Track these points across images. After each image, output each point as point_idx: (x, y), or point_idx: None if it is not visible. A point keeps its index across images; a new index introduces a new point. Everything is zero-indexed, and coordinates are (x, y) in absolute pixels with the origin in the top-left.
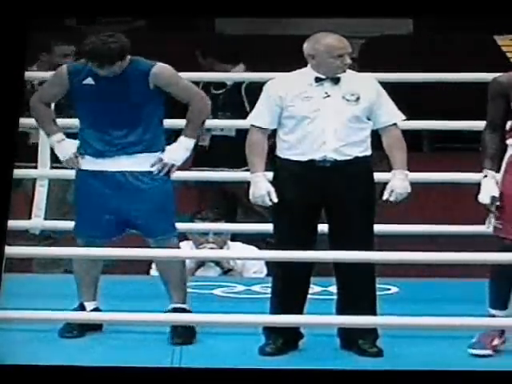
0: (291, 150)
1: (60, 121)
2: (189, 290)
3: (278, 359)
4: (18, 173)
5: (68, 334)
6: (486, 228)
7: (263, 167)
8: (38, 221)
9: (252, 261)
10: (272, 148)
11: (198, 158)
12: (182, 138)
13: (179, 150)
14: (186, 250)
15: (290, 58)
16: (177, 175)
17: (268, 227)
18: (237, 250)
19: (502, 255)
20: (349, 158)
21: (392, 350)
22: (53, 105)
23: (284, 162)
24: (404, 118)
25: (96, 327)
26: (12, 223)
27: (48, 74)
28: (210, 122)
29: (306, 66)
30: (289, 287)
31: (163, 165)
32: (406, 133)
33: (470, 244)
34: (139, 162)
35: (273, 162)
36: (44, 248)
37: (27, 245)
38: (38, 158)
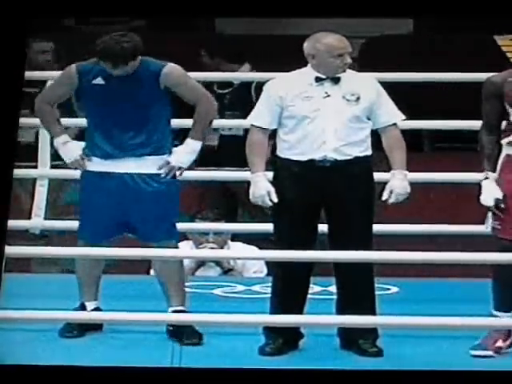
0: (291, 149)
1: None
2: (189, 289)
3: (278, 359)
4: (18, 173)
5: (68, 333)
6: (485, 228)
7: (263, 167)
8: (38, 221)
9: (252, 261)
10: (272, 148)
11: (207, 158)
12: (188, 141)
13: (186, 153)
14: (186, 249)
15: (290, 57)
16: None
17: (268, 227)
18: (237, 249)
19: (502, 255)
20: (349, 157)
21: (392, 350)
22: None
23: (284, 161)
24: (404, 117)
25: (96, 327)
26: (12, 223)
27: (47, 74)
28: (218, 122)
29: (306, 65)
30: (289, 287)
31: (170, 168)
32: (406, 133)
33: (470, 244)
34: (147, 165)
35: (273, 162)
36: (44, 248)
37: (27, 245)
38: (38, 158)
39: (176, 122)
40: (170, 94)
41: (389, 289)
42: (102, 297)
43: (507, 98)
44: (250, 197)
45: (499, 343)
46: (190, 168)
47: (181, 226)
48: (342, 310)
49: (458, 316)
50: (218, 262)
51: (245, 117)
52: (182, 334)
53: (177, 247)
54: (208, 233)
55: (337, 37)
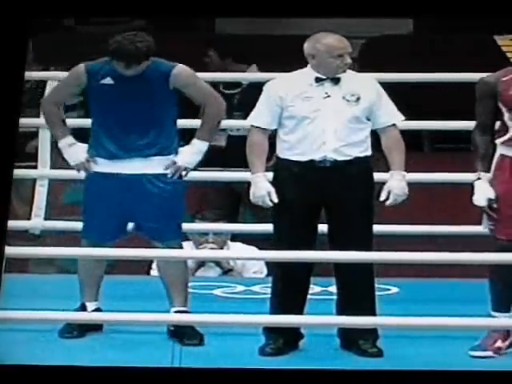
0: (291, 150)
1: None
2: (189, 290)
3: (278, 359)
4: (18, 173)
5: (68, 334)
6: (482, 229)
7: (263, 167)
8: (38, 221)
9: (252, 261)
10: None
11: (215, 158)
12: (195, 141)
13: (192, 153)
14: (186, 250)
15: (290, 57)
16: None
17: (268, 227)
18: (237, 250)
19: (501, 255)
20: (349, 158)
21: (392, 350)
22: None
23: (284, 162)
24: (403, 118)
25: (96, 327)
26: (12, 223)
27: (47, 74)
28: (226, 123)
29: (306, 65)
30: (289, 287)
31: (177, 168)
32: (406, 133)
33: (470, 244)
34: (153, 165)
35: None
36: (44, 248)
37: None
38: (38, 158)
39: (180, 123)
40: (178, 94)
41: (389, 289)
42: (101, 297)
43: (501, 98)
44: (251, 197)
45: (499, 343)
46: (194, 168)
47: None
48: (342, 310)
49: (458, 316)
50: (217, 263)
51: None
52: (183, 334)
53: (181, 247)
54: (208, 233)
55: (337, 37)
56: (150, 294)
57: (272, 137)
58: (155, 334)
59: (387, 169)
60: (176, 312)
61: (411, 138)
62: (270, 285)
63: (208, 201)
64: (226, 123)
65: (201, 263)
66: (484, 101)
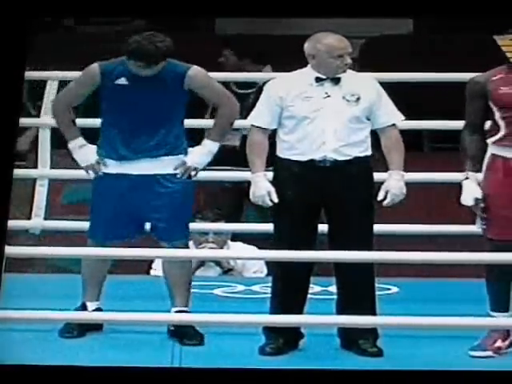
0: (291, 150)
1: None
2: (191, 290)
3: (278, 359)
4: (18, 173)
5: (68, 334)
6: (476, 228)
7: (263, 167)
8: (38, 221)
9: (252, 261)
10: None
11: (228, 158)
12: (206, 141)
13: (203, 154)
14: (186, 249)
15: (290, 57)
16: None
17: (268, 227)
18: (237, 249)
19: (501, 255)
20: (348, 158)
21: (392, 350)
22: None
23: (284, 161)
24: (403, 118)
25: (96, 327)
26: (12, 223)
27: (47, 74)
28: (240, 122)
29: (306, 65)
30: (289, 287)
31: (186, 168)
32: (406, 133)
33: (470, 244)
34: (162, 165)
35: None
36: (44, 248)
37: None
38: (38, 158)
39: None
40: (191, 95)
41: (389, 289)
42: (102, 297)
43: (492, 97)
44: (250, 197)
45: (498, 343)
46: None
47: None
48: (342, 310)
49: (458, 316)
50: (217, 262)
51: None
52: (183, 334)
53: (187, 247)
54: (208, 233)
55: (337, 37)
56: (150, 293)
57: (271, 136)
58: (155, 334)
59: (387, 169)
60: (177, 312)
61: (411, 138)
62: (270, 284)
63: (214, 200)
64: (239, 123)
65: (201, 263)
66: (474, 100)
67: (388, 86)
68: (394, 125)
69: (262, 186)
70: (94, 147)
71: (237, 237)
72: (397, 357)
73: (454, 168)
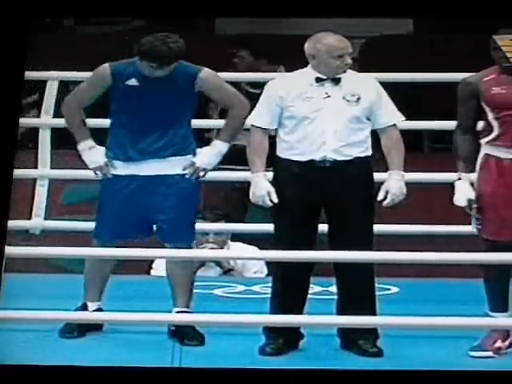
0: (291, 150)
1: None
2: (193, 291)
3: (278, 359)
4: (18, 173)
5: (68, 334)
6: (471, 229)
7: (263, 167)
8: (38, 221)
9: (252, 261)
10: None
11: (238, 157)
12: (216, 142)
13: (212, 154)
14: (187, 250)
15: (290, 57)
16: None
17: (268, 227)
18: (237, 250)
19: (500, 255)
20: (349, 158)
21: (392, 350)
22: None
23: (284, 162)
24: (403, 118)
25: (96, 327)
26: (12, 223)
27: (47, 74)
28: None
29: (306, 65)
30: (289, 287)
31: (195, 169)
32: (406, 133)
33: (470, 244)
34: (170, 166)
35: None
36: (44, 248)
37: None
38: (38, 158)
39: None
40: (201, 96)
41: (389, 289)
42: (103, 297)
43: (484, 98)
44: (250, 197)
45: (498, 343)
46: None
47: None
48: (342, 310)
49: (458, 316)
50: (218, 262)
51: None
52: (184, 334)
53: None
54: (208, 233)
55: (337, 37)
56: (151, 294)
57: (271, 137)
58: (155, 334)
59: (387, 169)
60: (177, 312)
61: (411, 138)
62: (270, 285)
63: (221, 200)
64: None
65: (201, 263)
66: (466, 101)
67: (388, 86)
68: (394, 125)
69: (262, 186)
70: (102, 149)
71: (237, 237)
72: (397, 357)
73: (453, 168)
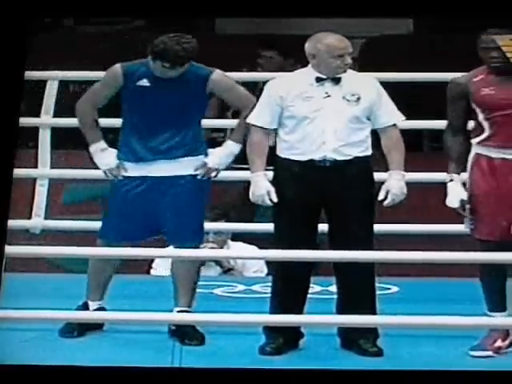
0: (291, 149)
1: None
2: (196, 292)
3: (278, 359)
4: (18, 173)
5: (68, 333)
6: (464, 228)
7: (264, 167)
8: (37, 220)
9: (252, 260)
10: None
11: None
12: (229, 142)
13: (224, 155)
14: (187, 249)
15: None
16: None
17: (268, 227)
18: (237, 249)
19: (500, 255)
20: (348, 158)
21: (392, 350)
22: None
23: (284, 161)
24: (403, 118)
25: (96, 326)
26: (12, 223)
27: (47, 74)
28: None
29: (306, 65)
30: (289, 287)
31: (207, 169)
32: (406, 133)
33: (470, 244)
34: (181, 166)
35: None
36: (44, 248)
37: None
38: (38, 158)
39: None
40: (211, 97)
41: (389, 289)
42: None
43: (474, 99)
44: (250, 196)
45: (498, 343)
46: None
47: None
48: (342, 309)
49: (458, 316)
50: (217, 262)
51: None
52: (184, 334)
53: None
54: (208, 232)
55: (338, 37)
56: (151, 293)
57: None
58: (156, 334)
59: (387, 169)
60: (178, 312)
61: (411, 138)
62: (270, 284)
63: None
64: None
65: (201, 262)
66: (456, 102)
67: (388, 86)
68: (394, 125)
69: (262, 186)
70: (114, 151)
71: (237, 237)
72: (397, 357)
73: None
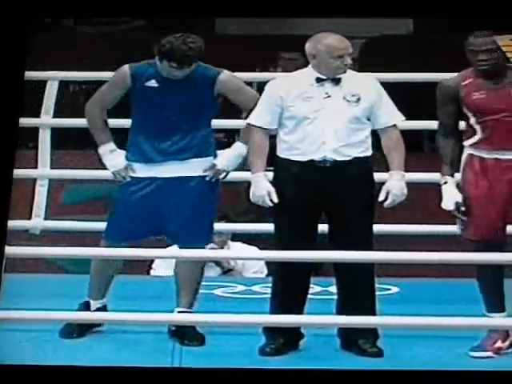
0: (291, 150)
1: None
2: (198, 294)
3: (278, 359)
4: (18, 173)
5: (68, 334)
6: (456, 229)
7: (264, 167)
8: (37, 221)
9: (252, 261)
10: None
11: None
12: (238, 144)
13: (233, 156)
14: (187, 250)
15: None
16: None
17: (268, 227)
18: (237, 250)
19: (501, 255)
20: (348, 158)
21: (392, 350)
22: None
23: (284, 162)
24: (404, 118)
25: (97, 325)
26: (12, 223)
27: (47, 74)
28: None
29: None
30: (289, 287)
31: (216, 171)
32: (406, 133)
33: (470, 244)
34: (191, 168)
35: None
36: (44, 248)
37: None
38: (38, 158)
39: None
40: (219, 98)
41: (389, 289)
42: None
43: (465, 103)
44: (251, 197)
45: (499, 344)
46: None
47: None
48: (342, 310)
49: (458, 316)
50: (218, 262)
51: None
52: (184, 334)
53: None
54: None
55: (338, 37)
56: (151, 294)
57: (271, 137)
58: (155, 334)
59: (387, 169)
60: (179, 312)
61: (411, 138)
62: (270, 285)
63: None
64: None
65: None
66: (447, 105)
67: (388, 86)
68: (394, 125)
69: (262, 186)
70: (123, 152)
71: (237, 237)
72: (397, 357)
73: None
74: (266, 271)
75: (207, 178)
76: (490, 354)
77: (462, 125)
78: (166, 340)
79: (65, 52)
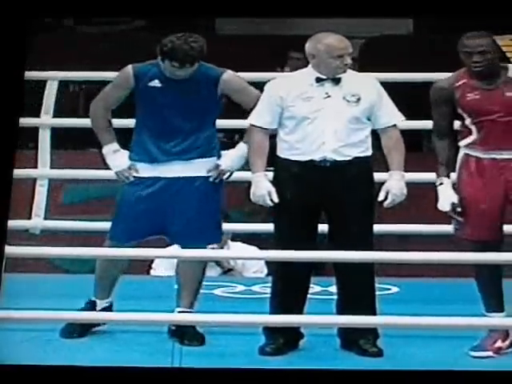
0: (291, 150)
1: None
2: (199, 294)
3: (278, 359)
4: (18, 173)
5: (69, 334)
6: (451, 229)
7: (264, 167)
8: (37, 220)
9: (252, 260)
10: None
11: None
12: (242, 145)
13: (237, 157)
14: (187, 250)
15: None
16: None
17: (268, 227)
18: (237, 249)
19: (502, 255)
20: (348, 158)
21: (392, 350)
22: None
23: (284, 162)
24: (404, 118)
25: (97, 324)
26: (12, 223)
27: (47, 74)
28: None
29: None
30: (289, 287)
31: (220, 171)
32: (406, 133)
33: (468, 244)
34: (194, 168)
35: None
36: (44, 248)
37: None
38: (38, 158)
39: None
40: (223, 98)
41: (389, 289)
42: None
43: (460, 104)
44: (251, 196)
45: (499, 343)
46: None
47: None
48: (342, 310)
49: (458, 316)
50: (218, 262)
51: None
52: (184, 334)
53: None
54: None
55: (337, 37)
56: (151, 293)
57: (271, 137)
58: (155, 334)
59: (387, 169)
60: (179, 312)
61: (411, 138)
62: (270, 284)
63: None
64: None
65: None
66: (441, 106)
67: (388, 86)
68: (394, 125)
69: (263, 186)
70: (126, 153)
71: (237, 237)
72: (397, 357)
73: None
74: (265, 271)
75: (211, 179)
76: (490, 353)
77: (457, 125)
78: (166, 340)
79: (65, 52)
